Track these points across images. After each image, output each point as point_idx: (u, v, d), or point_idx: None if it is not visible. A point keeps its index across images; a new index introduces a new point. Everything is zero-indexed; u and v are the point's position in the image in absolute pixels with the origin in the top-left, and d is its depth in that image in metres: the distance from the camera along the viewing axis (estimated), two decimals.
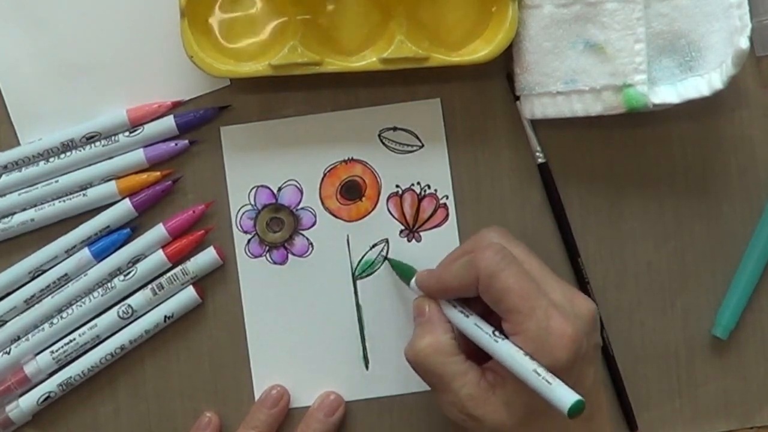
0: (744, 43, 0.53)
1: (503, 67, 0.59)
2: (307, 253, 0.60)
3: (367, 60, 0.57)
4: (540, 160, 0.60)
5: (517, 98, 0.59)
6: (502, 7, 0.57)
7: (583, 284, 0.60)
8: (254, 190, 0.60)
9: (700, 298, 0.61)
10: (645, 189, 0.60)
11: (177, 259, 0.59)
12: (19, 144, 0.60)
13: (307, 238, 0.60)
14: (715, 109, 0.61)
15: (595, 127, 0.60)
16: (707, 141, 0.61)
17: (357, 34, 0.58)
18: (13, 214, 0.59)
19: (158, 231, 0.59)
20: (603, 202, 0.61)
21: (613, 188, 0.61)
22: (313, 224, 0.60)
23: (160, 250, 0.59)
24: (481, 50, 0.57)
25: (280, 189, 0.60)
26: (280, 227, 0.60)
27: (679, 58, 0.57)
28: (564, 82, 0.57)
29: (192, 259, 0.59)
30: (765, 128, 0.61)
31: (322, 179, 0.60)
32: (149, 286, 0.59)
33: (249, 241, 0.60)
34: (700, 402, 0.61)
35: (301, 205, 0.60)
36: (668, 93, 0.56)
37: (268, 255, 0.60)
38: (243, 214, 0.60)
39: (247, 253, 0.60)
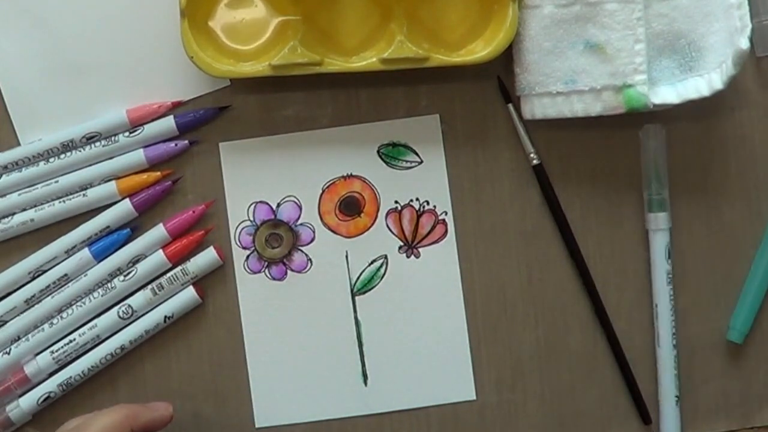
0: (744, 44, 0.53)
1: (503, 67, 0.59)
2: (306, 269, 0.60)
3: (367, 60, 0.57)
4: (534, 162, 0.60)
5: (509, 101, 0.59)
6: (502, 7, 0.57)
7: (583, 284, 0.60)
8: (253, 205, 0.60)
9: (699, 297, 0.61)
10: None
11: (177, 260, 0.59)
12: (19, 144, 0.60)
13: (306, 254, 0.60)
14: (715, 109, 0.61)
15: (596, 127, 0.60)
16: (707, 141, 0.61)
17: (357, 34, 0.58)
18: (13, 214, 0.59)
19: (158, 231, 0.59)
20: (603, 203, 0.61)
21: (613, 188, 0.61)
22: (312, 240, 0.60)
23: (160, 251, 0.59)
24: (481, 50, 0.57)
25: (278, 205, 0.60)
26: (278, 243, 0.60)
27: (679, 59, 0.57)
28: (564, 82, 0.57)
29: (192, 260, 0.59)
30: (765, 128, 0.61)
31: (321, 195, 0.60)
32: (149, 287, 0.59)
33: (248, 257, 0.60)
34: (700, 402, 0.61)
35: (299, 221, 0.60)
36: (668, 93, 0.56)
37: (266, 271, 0.60)
38: (242, 229, 0.60)
39: (245, 269, 0.60)
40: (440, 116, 0.60)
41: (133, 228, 0.60)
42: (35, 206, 0.59)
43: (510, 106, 0.59)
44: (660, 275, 0.59)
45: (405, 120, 0.60)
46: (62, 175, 0.59)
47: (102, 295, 0.59)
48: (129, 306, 0.59)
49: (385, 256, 0.60)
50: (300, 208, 0.60)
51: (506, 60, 0.58)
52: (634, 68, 0.56)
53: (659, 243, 0.59)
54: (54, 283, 0.59)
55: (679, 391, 0.60)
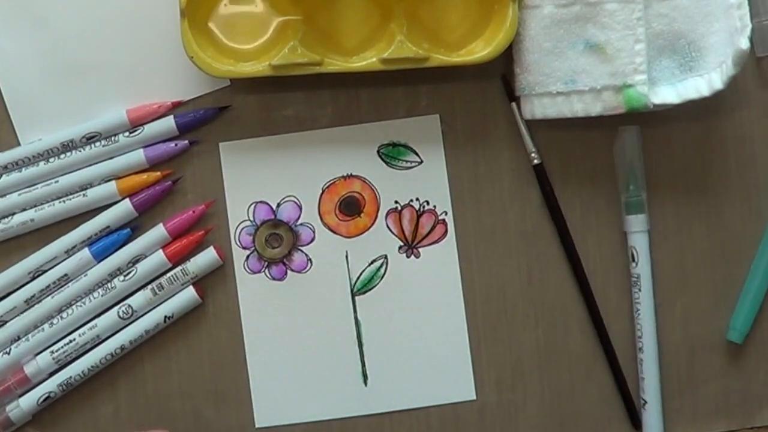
0: (744, 44, 0.53)
1: (503, 67, 0.59)
2: (306, 269, 0.60)
3: (367, 60, 0.57)
4: (535, 161, 0.60)
5: (513, 99, 0.59)
6: (502, 7, 0.57)
7: (583, 285, 0.60)
8: (253, 205, 0.60)
9: (699, 298, 0.61)
10: (645, 189, 0.60)
11: (177, 260, 0.59)
12: (19, 144, 0.60)
13: (306, 254, 0.60)
14: (715, 109, 0.61)
15: (596, 127, 0.60)
16: (707, 141, 0.61)
17: (357, 34, 0.58)
18: (13, 214, 0.59)
19: (158, 231, 0.59)
20: (603, 202, 0.61)
21: (613, 188, 0.61)
22: (312, 240, 0.60)
23: (160, 251, 0.59)
24: (481, 50, 0.57)
25: (278, 205, 0.60)
26: (278, 243, 0.60)
27: (679, 59, 0.57)
28: (564, 82, 0.57)
29: (192, 260, 0.59)
30: (765, 128, 0.61)
31: (321, 195, 0.60)
32: (149, 287, 0.59)
33: (248, 257, 0.60)
34: (700, 402, 0.61)
35: (300, 221, 0.60)
36: (668, 93, 0.56)
37: (266, 271, 0.60)
38: (242, 229, 0.60)
39: (245, 269, 0.60)
40: (440, 116, 0.60)
41: (133, 228, 0.60)
42: (35, 206, 0.59)
43: (514, 104, 0.59)
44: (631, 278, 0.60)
45: (405, 120, 0.60)
46: (62, 175, 0.59)
47: (102, 295, 0.59)
48: (129, 306, 0.59)
49: (385, 256, 0.60)
50: (300, 208, 0.60)
51: (507, 60, 0.58)
52: (634, 68, 0.56)
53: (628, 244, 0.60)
54: (54, 283, 0.59)
55: (652, 394, 0.59)
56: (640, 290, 0.59)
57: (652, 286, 0.59)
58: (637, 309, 0.59)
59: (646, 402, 0.59)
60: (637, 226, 0.59)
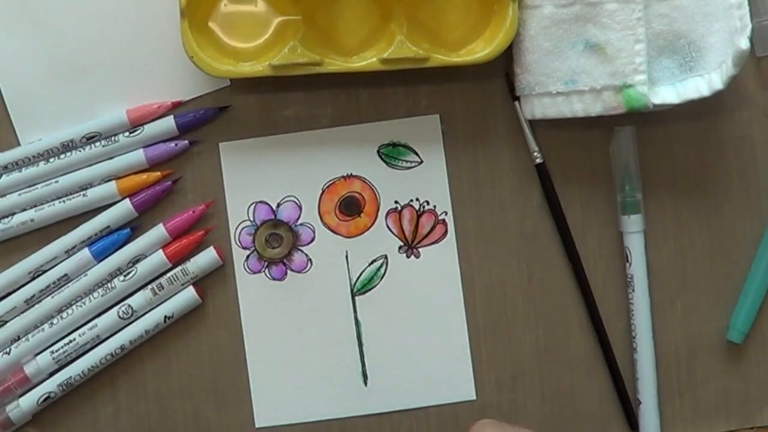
0: (744, 44, 0.53)
1: (503, 67, 0.59)
2: (306, 269, 0.60)
3: (367, 60, 0.57)
4: (538, 161, 0.60)
5: (516, 98, 0.59)
6: (502, 7, 0.57)
7: (583, 284, 0.60)
8: (253, 205, 0.60)
9: (699, 298, 0.61)
10: (645, 189, 0.60)
11: (177, 260, 0.59)
12: (19, 144, 0.60)
13: (306, 254, 0.60)
14: (715, 109, 0.61)
15: (596, 127, 0.60)
16: (707, 141, 0.61)
17: (357, 34, 0.58)
18: (13, 214, 0.59)
19: (158, 231, 0.59)
20: (602, 203, 0.61)
21: (613, 188, 0.61)
22: (312, 240, 0.60)
23: (160, 251, 0.59)
24: (481, 50, 0.57)
25: (278, 205, 0.60)
26: (278, 243, 0.60)
27: (679, 59, 0.57)
28: (564, 82, 0.57)
29: (192, 260, 0.59)
30: (765, 128, 0.61)
31: (321, 195, 0.60)
32: (149, 287, 0.59)
33: (248, 257, 0.60)
34: (700, 402, 0.61)
35: (300, 221, 0.60)
36: (668, 93, 0.56)
37: (267, 271, 0.60)
38: (242, 229, 0.60)
39: (245, 269, 0.60)
40: (440, 116, 0.60)
41: (133, 228, 0.60)
42: (35, 206, 0.59)
43: (517, 103, 0.59)
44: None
45: (405, 120, 0.60)
46: (62, 175, 0.59)
47: (102, 295, 0.59)
48: (129, 306, 0.59)
49: (385, 256, 0.60)
50: (300, 208, 0.60)
51: (507, 60, 0.58)
52: (634, 68, 0.56)
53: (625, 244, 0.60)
54: (54, 283, 0.59)
55: (647, 394, 0.59)
56: (633, 290, 0.59)
57: (647, 286, 0.59)
58: (632, 309, 0.59)
59: (641, 402, 0.59)
60: (632, 226, 0.59)
